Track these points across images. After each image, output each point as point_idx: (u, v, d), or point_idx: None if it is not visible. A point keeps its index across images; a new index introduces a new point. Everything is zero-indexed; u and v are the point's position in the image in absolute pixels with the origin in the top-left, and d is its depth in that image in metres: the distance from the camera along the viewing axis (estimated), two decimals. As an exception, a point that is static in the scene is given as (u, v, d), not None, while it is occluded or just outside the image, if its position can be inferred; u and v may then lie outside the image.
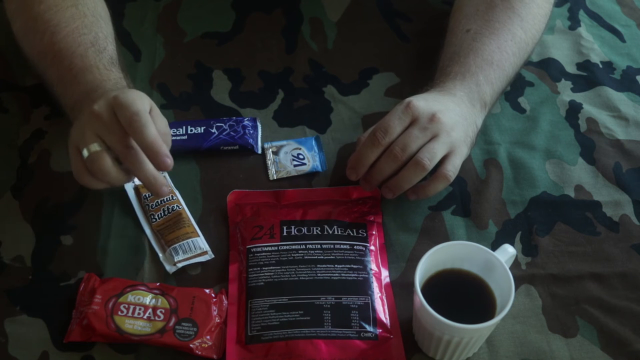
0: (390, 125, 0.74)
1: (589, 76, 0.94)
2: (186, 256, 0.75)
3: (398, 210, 0.80)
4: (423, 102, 0.75)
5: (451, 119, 0.75)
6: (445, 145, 0.74)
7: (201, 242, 0.77)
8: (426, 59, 0.94)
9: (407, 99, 0.75)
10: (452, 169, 0.75)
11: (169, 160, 0.68)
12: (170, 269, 0.75)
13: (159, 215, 0.78)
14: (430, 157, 0.73)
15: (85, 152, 0.68)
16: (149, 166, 0.68)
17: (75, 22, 0.80)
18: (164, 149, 0.68)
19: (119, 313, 0.70)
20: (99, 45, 0.79)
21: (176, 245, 0.76)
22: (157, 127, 0.69)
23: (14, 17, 0.84)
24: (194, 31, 0.99)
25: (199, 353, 0.69)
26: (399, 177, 0.75)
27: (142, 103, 0.68)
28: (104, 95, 0.70)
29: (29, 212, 0.80)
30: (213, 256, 0.76)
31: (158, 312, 0.71)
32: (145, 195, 0.80)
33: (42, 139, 0.86)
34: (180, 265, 0.75)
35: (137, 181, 0.81)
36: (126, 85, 0.77)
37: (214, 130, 0.85)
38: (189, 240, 0.76)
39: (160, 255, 0.76)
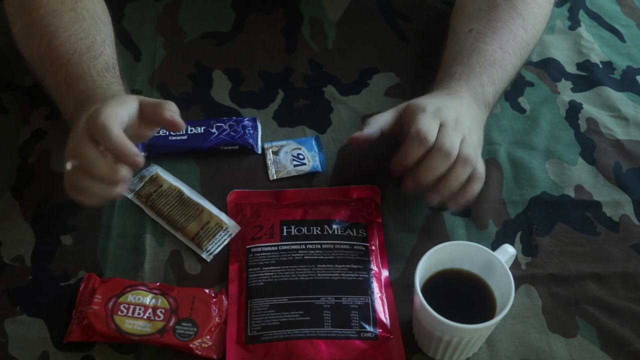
0: (430, 127, 0.72)
1: (589, 76, 0.94)
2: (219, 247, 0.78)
3: (398, 210, 0.80)
4: (441, 112, 0.74)
5: (468, 125, 0.75)
6: (472, 146, 0.74)
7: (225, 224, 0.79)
8: (426, 59, 0.94)
9: (428, 109, 0.73)
10: (482, 167, 0.75)
11: (139, 159, 0.67)
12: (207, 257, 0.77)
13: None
14: (474, 151, 0.73)
15: (67, 166, 0.69)
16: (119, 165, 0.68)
17: (73, 27, 0.80)
18: (131, 148, 0.67)
19: (119, 313, 0.70)
20: (94, 50, 0.79)
21: (208, 245, 0.77)
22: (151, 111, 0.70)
23: (14, 21, 0.83)
24: (194, 31, 0.99)
25: (199, 353, 0.69)
26: (450, 178, 0.72)
27: (112, 113, 0.68)
28: (87, 110, 0.69)
29: (29, 212, 0.80)
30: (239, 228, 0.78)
31: (158, 312, 0.71)
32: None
33: (42, 139, 0.86)
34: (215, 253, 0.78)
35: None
36: (118, 90, 0.76)
37: (214, 130, 0.85)
38: (216, 234, 0.78)
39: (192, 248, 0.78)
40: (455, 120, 0.73)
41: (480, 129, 0.78)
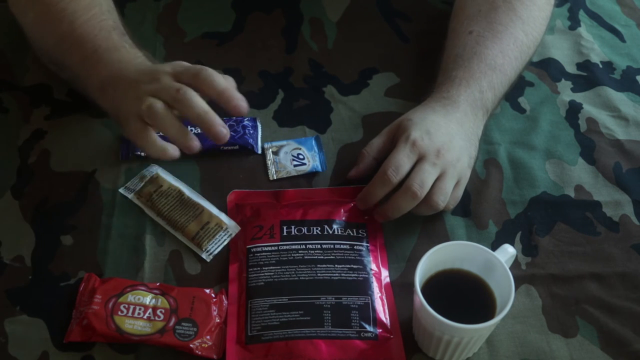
0: (401, 164, 0.74)
1: (589, 76, 0.94)
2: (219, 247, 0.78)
3: (398, 210, 0.80)
4: (427, 139, 0.75)
5: (455, 151, 0.76)
6: (453, 180, 0.76)
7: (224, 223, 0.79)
8: (426, 59, 0.94)
9: (412, 136, 0.75)
10: (454, 201, 0.78)
11: (243, 104, 0.74)
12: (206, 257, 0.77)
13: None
14: (444, 198, 0.75)
15: (144, 107, 0.71)
16: (200, 104, 0.72)
17: (92, 10, 0.81)
18: (237, 94, 0.73)
19: (119, 313, 0.70)
20: (120, 29, 0.81)
21: (207, 245, 0.77)
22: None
23: (27, 10, 0.84)
24: (194, 31, 0.99)
25: (199, 353, 0.69)
26: (406, 210, 0.76)
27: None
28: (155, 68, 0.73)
29: (29, 212, 0.80)
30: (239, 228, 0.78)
31: (158, 312, 0.71)
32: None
33: (42, 139, 0.86)
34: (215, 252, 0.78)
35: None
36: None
37: (214, 130, 0.85)
38: (216, 235, 0.78)
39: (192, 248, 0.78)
40: (438, 151, 0.74)
41: (472, 144, 0.79)
